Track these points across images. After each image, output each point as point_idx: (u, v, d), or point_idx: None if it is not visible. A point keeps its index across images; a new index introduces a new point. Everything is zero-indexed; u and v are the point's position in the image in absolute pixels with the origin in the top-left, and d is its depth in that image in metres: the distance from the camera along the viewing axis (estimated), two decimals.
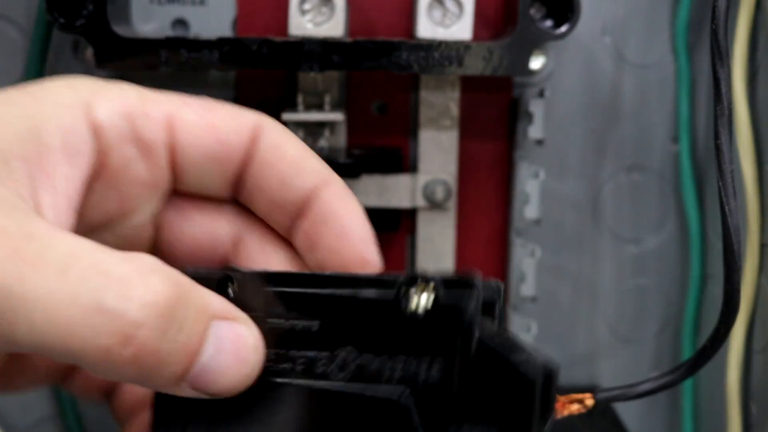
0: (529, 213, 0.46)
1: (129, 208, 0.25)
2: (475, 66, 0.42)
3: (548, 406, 0.22)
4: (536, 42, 0.42)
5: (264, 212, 0.27)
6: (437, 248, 0.47)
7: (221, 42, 0.41)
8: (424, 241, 0.47)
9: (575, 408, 0.35)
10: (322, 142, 0.45)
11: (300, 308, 0.24)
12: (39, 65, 0.43)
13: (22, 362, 0.27)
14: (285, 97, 0.46)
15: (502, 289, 0.24)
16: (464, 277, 0.22)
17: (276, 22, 0.44)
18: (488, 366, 0.22)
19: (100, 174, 0.24)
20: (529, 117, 0.45)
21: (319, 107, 0.45)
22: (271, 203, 0.26)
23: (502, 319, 0.23)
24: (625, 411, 0.48)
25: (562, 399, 0.35)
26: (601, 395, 0.36)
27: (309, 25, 0.42)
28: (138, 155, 0.24)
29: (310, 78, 0.45)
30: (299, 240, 0.26)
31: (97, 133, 0.23)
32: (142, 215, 0.26)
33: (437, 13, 0.42)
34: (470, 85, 0.46)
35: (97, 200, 0.24)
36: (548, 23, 0.42)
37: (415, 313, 0.22)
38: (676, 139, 0.48)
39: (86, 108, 0.23)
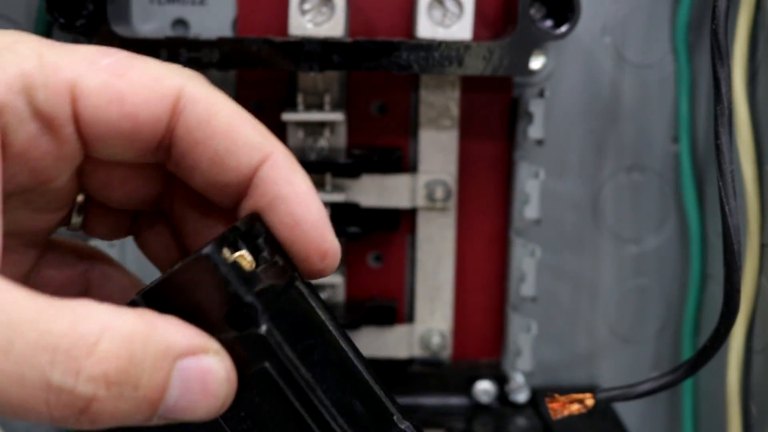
0: (529, 213, 0.46)
1: (44, 178, 0.23)
2: (475, 66, 0.42)
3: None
4: (536, 42, 0.42)
5: (201, 190, 0.24)
6: (437, 248, 0.47)
7: (221, 42, 0.41)
8: (424, 241, 0.47)
9: (575, 408, 0.35)
10: (322, 142, 0.45)
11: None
12: None
13: None
14: (285, 97, 0.46)
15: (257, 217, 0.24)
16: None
17: (276, 22, 0.44)
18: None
19: (4, 153, 0.22)
20: (529, 117, 0.45)
21: (319, 107, 0.45)
22: (206, 183, 0.24)
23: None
24: (625, 411, 0.48)
25: (562, 399, 0.35)
26: (601, 395, 0.36)
27: (309, 25, 0.42)
28: (42, 130, 0.22)
29: (310, 78, 0.45)
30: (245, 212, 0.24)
31: None
32: (60, 182, 0.24)
33: (437, 13, 0.42)
34: (470, 85, 0.46)
35: (8, 175, 0.23)
36: (548, 23, 0.42)
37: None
38: (676, 139, 0.48)
39: None
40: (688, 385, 0.48)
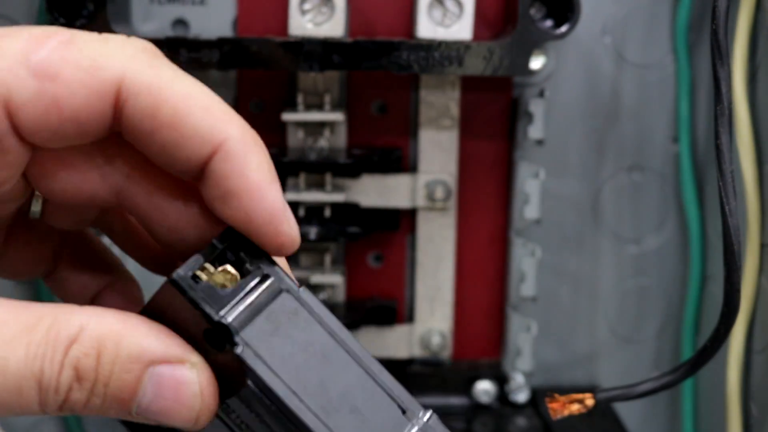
0: (529, 213, 0.46)
1: None
2: (475, 66, 0.42)
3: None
4: (536, 42, 0.42)
5: (160, 168, 0.24)
6: (437, 248, 0.47)
7: (221, 42, 0.41)
8: (424, 241, 0.47)
9: (575, 408, 0.35)
10: (322, 142, 0.45)
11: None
12: None
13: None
14: (285, 97, 0.46)
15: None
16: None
17: (276, 22, 0.44)
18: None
19: None
20: (529, 117, 0.45)
21: (319, 107, 0.45)
22: (161, 167, 0.24)
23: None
24: (625, 411, 0.48)
25: (562, 399, 0.36)
26: (601, 395, 0.36)
27: (309, 25, 0.42)
28: None
29: (310, 78, 0.45)
30: (208, 205, 0.24)
31: None
32: (7, 186, 0.24)
33: (437, 13, 0.42)
34: (470, 85, 0.46)
35: None
36: (548, 23, 0.42)
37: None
38: (676, 139, 0.48)
39: None
40: (688, 385, 0.48)
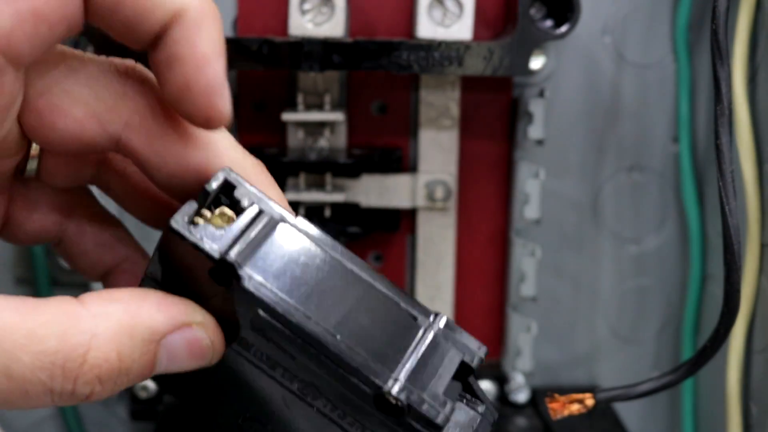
0: (529, 213, 0.46)
1: None
2: (475, 66, 0.42)
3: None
4: (536, 42, 0.42)
5: (119, 38, 0.24)
6: (437, 248, 0.47)
7: None
8: (424, 241, 0.47)
9: (575, 408, 0.35)
10: (322, 142, 0.45)
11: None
12: None
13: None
14: (285, 97, 0.46)
15: None
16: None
17: (276, 22, 0.44)
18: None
19: None
20: (529, 117, 0.45)
21: (319, 107, 0.45)
22: (121, 35, 0.24)
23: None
24: (625, 411, 0.48)
25: (562, 399, 0.36)
26: (601, 395, 0.36)
27: (309, 25, 0.42)
28: None
29: (310, 78, 0.45)
30: (152, 70, 0.24)
31: None
32: (5, 125, 0.24)
33: (437, 13, 0.42)
34: (470, 85, 0.46)
35: None
36: (548, 23, 0.42)
37: None
38: (676, 139, 0.48)
39: None
40: (688, 385, 0.48)
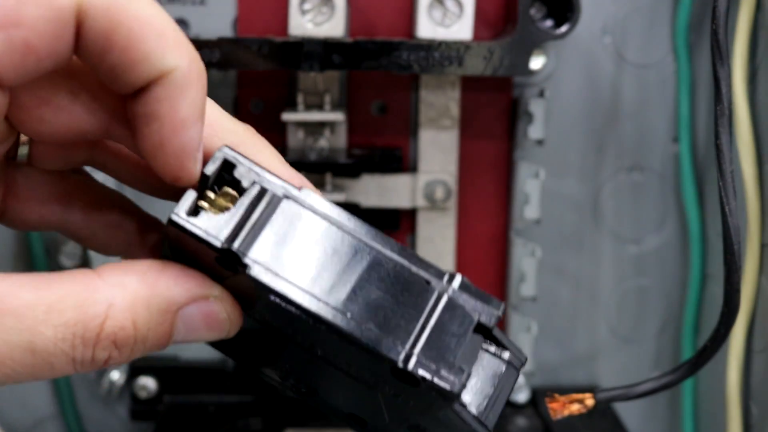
0: (529, 213, 0.46)
1: None
2: (475, 66, 0.42)
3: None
4: (536, 42, 0.42)
5: (103, 79, 0.24)
6: (437, 248, 0.47)
7: (221, 42, 0.41)
8: (424, 241, 0.47)
9: (575, 408, 0.35)
10: (322, 142, 0.45)
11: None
12: None
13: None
14: (285, 97, 0.46)
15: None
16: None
17: (276, 22, 0.44)
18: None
19: None
20: (529, 117, 0.45)
21: (319, 107, 0.45)
22: (106, 78, 0.24)
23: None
24: (625, 411, 0.48)
25: (562, 399, 0.36)
26: (601, 395, 0.36)
27: (309, 25, 0.42)
28: None
29: (310, 78, 0.45)
30: (130, 116, 0.24)
31: None
32: None
33: (437, 13, 0.42)
34: (470, 85, 0.46)
35: None
36: (548, 23, 0.42)
37: None
38: (676, 139, 0.48)
39: None
40: (688, 385, 0.48)
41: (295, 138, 0.45)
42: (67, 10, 0.22)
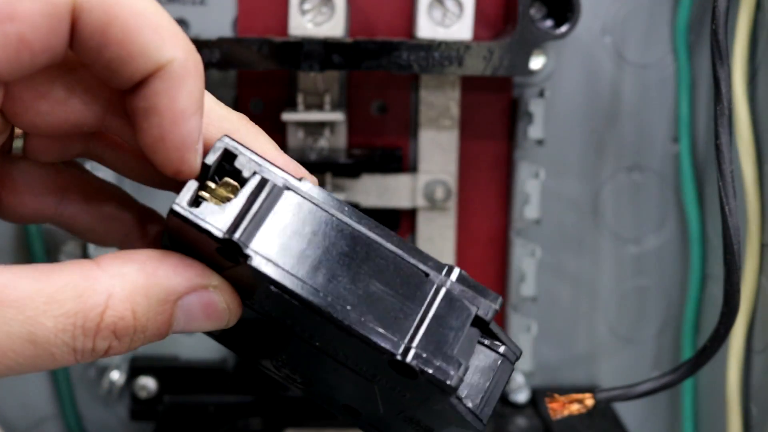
0: (529, 213, 0.46)
1: None
2: (475, 66, 0.42)
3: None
4: (536, 42, 0.42)
5: (99, 76, 0.25)
6: (437, 248, 0.47)
7: (221, 42, 0.41)
8: (424, 241, 0.47)
9: (575, 408, 0.35)
10: (322, 142, 0.45)
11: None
12: None
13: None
14: (285, 97, 0.46)
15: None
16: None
17: (276, 22, 0.44)
18: None
19: None
20: (529, 117, 0.45)
21: (319, 107, 0.45)
22: (102, 75, 0.24)
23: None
24: (625, 411, 0.48)
25: (562, 399, 0.36)
26: (601, 395, 0.36)
27: (309, 25, 0.42)
28: None
29: (310, 78, 0.45)
30: (129, 112, 0.24)
31: None
32: None
33: (437, 13, 0.42)
34: (470, 85, 0.46)
35: None
36: (548, 23, 0.42)
37: None
38: (676, 139, 0.48)
39: None
40: (688, 385, 0.48)
41: (295, 138, 0.45)
42: (63, 4, 0.22)
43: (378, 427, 0.29)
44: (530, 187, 0.46)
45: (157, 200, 0.32)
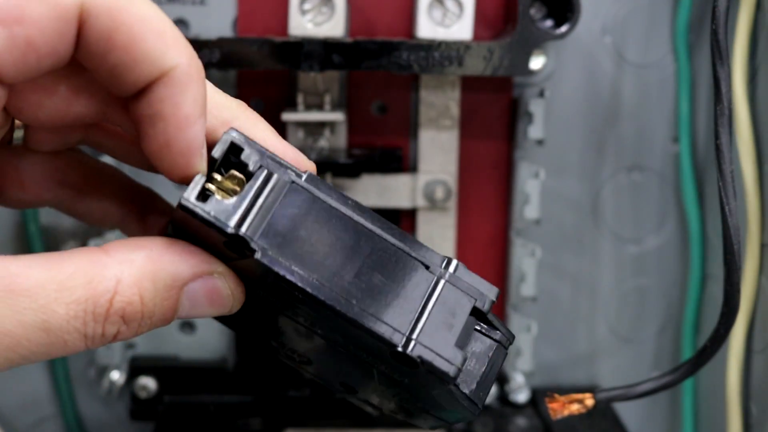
0: (529, 213, 0.46)
1: None
2: (475, 66, 0.42)
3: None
4: (536, 42, 0.42)
5: (102, 83, 0.25)
6: (437, 248, 0.47)
7: (221, 42, 0.41)
8: (424, 241, 0.47)
9: (575, 408, 0.35)
10: (322, 142, 0.45)
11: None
12: None
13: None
14: (285, 97, 0.46)
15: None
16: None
17: (276, 22, 0.44)
18: None
19: None
20: (529, 117, 0.45)
21: (319, 107, 0.45)
22: (106, 81, 0.24)
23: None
24: (625, 411, 0.48)
25: (562, 399, 0.36)
26: (601, 395, 0.36)
27: (309, 25, 0.42)
28: None
29: (310, 78, 0.45)
30: (133, 119, 0.25)
31: None
32: None
33: (437, 13, 0.42)
34: (470, 85, 0.46)
35: None
36: (548, 23, 0.42)
37: None
38: (676, 139, 0.48)
39: None
40: (688, 385, 0.48)
41: (295, 138, 0.45)
42: (71, 9, 0.22)
43: (374, 404, 0.30)
44: (530, 187, 0.46)
45: (156, 184, 0.32)
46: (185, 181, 0.24)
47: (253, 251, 0.24)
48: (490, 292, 0.26)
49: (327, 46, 0.41)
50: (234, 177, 0.24)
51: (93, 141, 0.29)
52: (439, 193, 0.46)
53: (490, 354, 0.26)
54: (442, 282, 0.25)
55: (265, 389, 0.47)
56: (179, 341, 0.48)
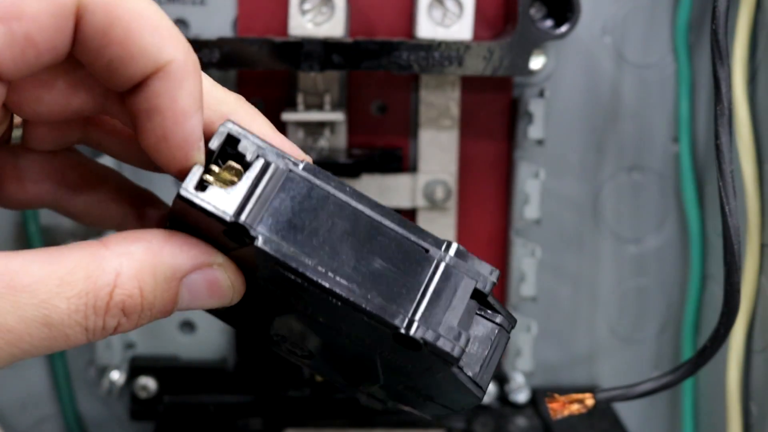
0: (529, 213, 0.46)
1: None
2: (475, 66, 0.42)
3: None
4: (536, 42, 0.42)
5: (99, 77, 0.25)
6: None
7: (221, 42, 0.41)
8: None
9: (575, 408, 0.35)
10: (322, 142, 0.45)
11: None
12: None
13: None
14: (285, 97, 0.46)
15: None
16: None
17: (276, 22, 0.44)
18: None
19: None
20: (529, 117, 0.45)
21: (319, 107, 0.45)
22: (102, 76, 0.24)
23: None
24: (625, 411, 0.48)
25: (562, 399, 0.36)
26: (601, 395, 0.36)
27: (309, 25, 0.42)
28: None
29: (310, 78, 0.45)
30: (130, 113, 0.25)
31: None
32: None
33: (437, 13, 0.42)
34: (470, 85, 0.46)
35: None
36: (548, 23, 0.42)
37: None
38: (676, 139, 0.48)
39: None
40: (688, 385, 0.48)
41: (295, 138, 0.45)
42: (68, 5, 0.22)
43: (377, 396, 0.30)
44: (530, 187, 0.46)
45: (155, 184, 0.32)
46: (183, 175, 0.24)
47: (253, 238, 0.24)
48: (491, 273, 0.26)
49: (327, 46, 0.41)
50: (232, 168, 0.25)
51: (92, 140, 0.29)
52: (439, 193, 0.46)
53: (493, 337, 0.26)
54: (442, 265, 0.25)
55: (265, 389, 0.47)
56: (179, 341, 0.48)
